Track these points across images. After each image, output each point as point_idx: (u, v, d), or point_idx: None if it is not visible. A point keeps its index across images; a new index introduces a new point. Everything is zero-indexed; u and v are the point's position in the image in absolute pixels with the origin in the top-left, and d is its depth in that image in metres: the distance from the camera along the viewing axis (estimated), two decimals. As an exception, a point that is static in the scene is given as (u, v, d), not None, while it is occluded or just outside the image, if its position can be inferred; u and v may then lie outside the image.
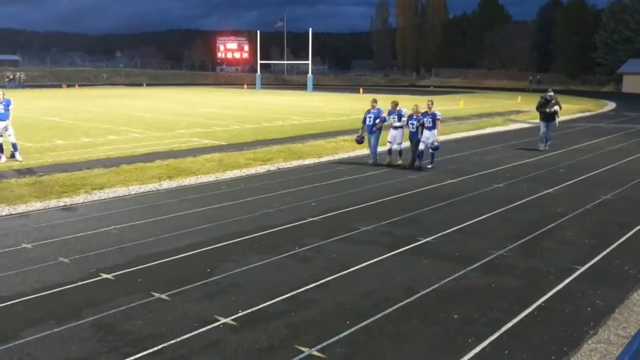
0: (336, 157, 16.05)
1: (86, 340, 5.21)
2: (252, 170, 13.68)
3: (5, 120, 14.37)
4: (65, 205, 10.28)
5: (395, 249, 7.89)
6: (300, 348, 5.08)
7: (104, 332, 5.36)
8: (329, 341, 5.21)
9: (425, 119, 13.89)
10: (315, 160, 15.48)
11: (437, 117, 13.97)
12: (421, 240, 8.31)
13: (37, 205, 10.19)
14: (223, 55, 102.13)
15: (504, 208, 10.28)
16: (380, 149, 15.07)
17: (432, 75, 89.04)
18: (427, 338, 5.36)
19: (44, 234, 8.50)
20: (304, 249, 7.86)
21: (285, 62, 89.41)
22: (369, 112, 14.86)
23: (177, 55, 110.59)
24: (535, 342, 5.29)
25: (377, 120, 14.60)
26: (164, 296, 6.21)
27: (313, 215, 9.61)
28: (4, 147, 14.48)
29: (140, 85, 70.34)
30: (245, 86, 71.16)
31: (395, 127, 14.67)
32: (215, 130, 21.52)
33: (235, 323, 5.57)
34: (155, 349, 5.06)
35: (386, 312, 5.86)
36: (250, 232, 8.58)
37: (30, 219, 9.41)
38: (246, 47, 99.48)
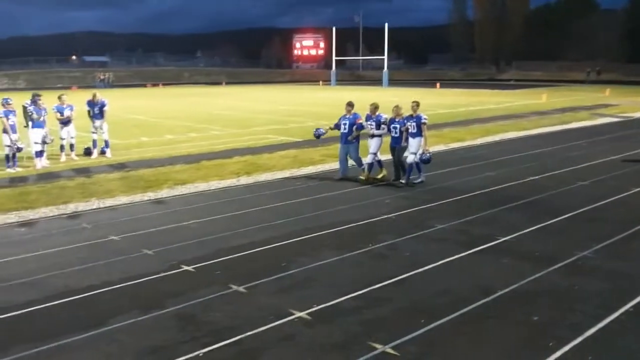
0: (411, 153, 15.84)
1: (168, 330, 5.44)
2: (327, 167, 13.76)
3: (100, 119, 15.26)
4: (150, 200, 10.77)
5: (473, 247, 7.70)
6: (374, 345, 5.07)
7: (185, 322, 5.58)
8: (403, 339, 5.17)
9: (409, 123, 11.66)
10: (389, 156, 15.33)
11: (423, 121, 11.56)
12: (500, 239, 8.06)
13: (123, 199, 10.74)
14: (299, 53, 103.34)
15: (589, 207, 9.79)
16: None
17: (512, 69, 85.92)
18: (505, 340, 5.20)
19: (130, 226, 8.95)
20: (378, 245, 7.83)
21: (360, 57, 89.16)
22: (343, 117, 12.33)
23: (255, 54, 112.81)
24: (622, 349, 5.01)
25: (354, 128, 12.12)
26: (241, 289, 6.38)
27: (386, 213, 9.55)
28: (97, 143, 15.38)
29: (220, 83, 72.41)
30: (320, 83, 71.62)
31: (372, 136, 12.17)
32: (290, 127, 21.84)
33: (309, 317, 5.64)
34: (232, 340, 5.21)
35: (462, 311, 5.74)
36: (325, 228, 8.65)
37: (118, 212, 9.94)
38: (322, 44, 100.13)
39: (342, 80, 73.62)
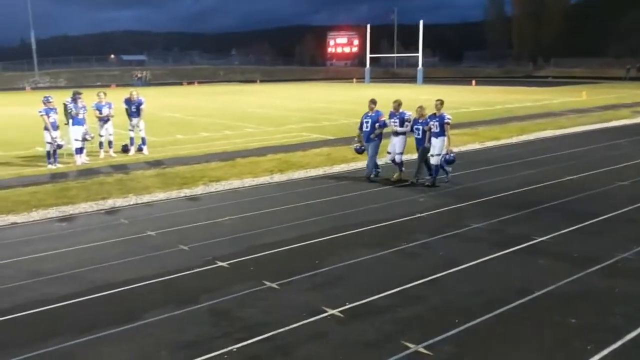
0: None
1: (202, 324, 5.52)
2: (360, 165, 13.71)
3: (137, 117, 15.55)
4: (186, 196, 10.93)
5: (508, 247, 7.58)
6: (407, 344, 5.04)
7: (219, 318, 5.65)
8: (437, 339, 5.13)
9: (432, 123, 11.34)
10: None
11: (446, 121, 11.18)
12: (536, 239, 7.91)
13: (160, 195, 10.93)
14: (333, 50, 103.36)
15: (629, 207, 9.52)
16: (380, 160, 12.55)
17: (550, 65, 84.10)
18: (541, 342, 5.11)
19: (166, 222, 9.11)
20: (411, 244, 7.78)
21: (395, 55, 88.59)
22: (365, 115, 12.12)
23: (289, 52, 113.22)
24: (664, 353, 4.86)
25: (376, 126, 11.88)
26: (274, 285, 6.42)
27: (420, 211, 9.48)
28: (134, 141, 15.69)
29: (254, 81, 72.97)
30: (354, 80, 71.48)
31: (397, 134, 11.94)
32: (324, 125, 21.86)
33: (342, 315, 5.65)
34: (265, 336, 5.25)
35: (497, 312, 5.66)
36: (357, 226, 8.64)
37: (155, 208, 10.12)
38: (356, 42, 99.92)
39: (376, 78, 73.32)
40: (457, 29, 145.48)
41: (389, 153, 12.13)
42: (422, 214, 9.29)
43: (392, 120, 11.90)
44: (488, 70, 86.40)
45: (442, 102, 11.42)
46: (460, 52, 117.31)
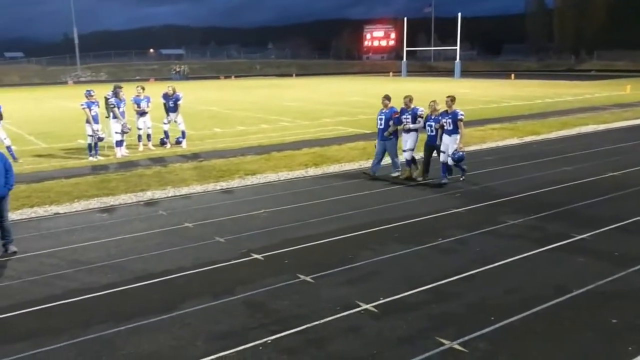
0: (484, 146, 15.44)
1: (237, 316, 5.60)
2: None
3: (174, 112, 15.79)
4: (222, 189, 11.07)
5: (546, 244, 7.44)
6: (441, 340, 5.01)
7: (253, 309, 5.72)
8: (471, 335, 5.08)
9: (444, 120, 10.92)
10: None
11: (459, 117, 10.75)
12: (576, 236, 7.74)
13: (197, 188, 11.10)
14: (369, 44, 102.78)
15: (676, 205, 9.22)
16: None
17: (593, 58, 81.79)
18: (579, 342, 5.00)
19: (203, 214, 9.25)
20: (446, 240, 7.71)
21: (432, 48, 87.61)
22: (380, 112, 11.75)
23: (325, 45, 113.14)
24: None
25: (390, 123, 11.52)
26: (308, 278, 6.46)
27: (457, 207, 9.37)
28: (169, 134, 15.95)
29: (290, 75, 73.19)
30: (390, 74, 71.01)
31: (408, 130, 11.48)
32: (359, 119, 21.79)
33: (376, 310, 5.64)
34: (299, 329, 5.29)
35: (534, 310, 5.57)
36: (392, 221, 8.60)
37: (192, 200, 10.28)
38: (392, 35, 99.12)
39: (412, 72, 72.66)
40: (496, 22, 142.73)
41: (404, 151, 11.65)
42: (457, 210, 9.19)
43: (404, 116, 11.51)
44: (528, 64, 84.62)
45: (453, 99, 10.97)
46: (499, 45, 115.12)
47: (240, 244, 7.74)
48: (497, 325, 5.26)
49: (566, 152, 14.33)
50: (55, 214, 9.50)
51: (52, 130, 20.00)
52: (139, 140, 15.53)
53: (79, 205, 9.90)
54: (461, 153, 10.77)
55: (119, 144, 14.60)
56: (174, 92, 15.77)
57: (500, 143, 15.82)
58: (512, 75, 54.80)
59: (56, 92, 45.64)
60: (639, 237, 7.75)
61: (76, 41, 64.81)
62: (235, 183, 11.48)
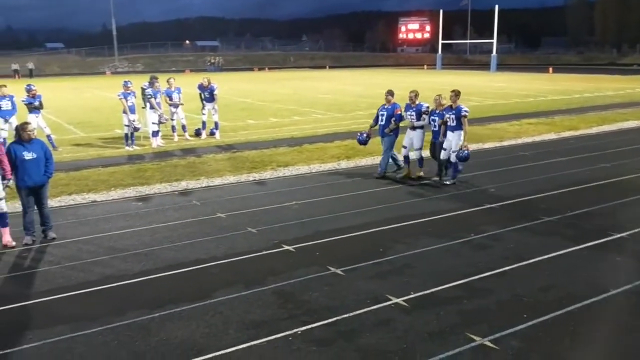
0: (519, 141, 15.18)
1: (268, 306, 5.65)
2: (425, 153, 13.50)
3: (211, 102, 15.93)
4: (255, 180, 11.16)
5: (582, 242, 7.28)
6: (472, 336, 4.97)
7: (284, 300, 5.76)
8: (503, 333, 5.02)
9: (447, 116, 10.45)
10: (496, 144, 14.82)
11: (463, 114, 10.24)
12: (614, 235, 7.56)
13: (230, 178, 11.21)
14: (404, 36, 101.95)
15: None
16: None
17: (636, 52, 79.39)
18: (615, 344, 4.90)
19: (235, 205, 9.34)
20: (479, 236, 7.62)
21: (468, 41, 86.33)
22: (382, 108, 11.26)
23: (359, 37, 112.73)
24: None
25: (392, 120, 11.00)
26: (339, 271, 6.47)
27: (490, 202, 9.25)
28: (206, 125, 16.13)
29: (324, 67, 73.10)
30: (425, 67, 70.27)
31: (414, 128, 11.03)
32: (393, 112, 21.62)
33: (406, 304, 5.62)
34: (329, 320, 5.31)
35: (568, 309, 5.46)
36: (424, 216, 8.54)
37: (225, 190, 10.39)
38: (428, 27, 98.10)
39: (447, 65, 71.77)
40: (535, 14, 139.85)
41: (404, 147, 11.15)
42: (491, 205, 9.07)
43: (408, 113, 11.04)
44: (567, 57, 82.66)
45: (457, 94, 10.45)
46: (537, 38, 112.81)
47: (271, 235, 7.79)
48: (529, 323, 5.19)
49: (605, 148, 13.98)
50: (92, 201, 9.73)
51: (90, 119, 20.44)
52: (173, 131, 15.73)
53: (115, 194, 10.12)
54: (466, 152, 10.25)
55: (155, 134, 14.83)
56: (209, 83, 15.90)
57: (537, 138, 15.53)
58: (551, 69, 53.62)
59: (95, 82, 46.60)
60: (681, 237, 7.52)
61: (114, 32, 65.95)
62: (267, 174, 11.55)
